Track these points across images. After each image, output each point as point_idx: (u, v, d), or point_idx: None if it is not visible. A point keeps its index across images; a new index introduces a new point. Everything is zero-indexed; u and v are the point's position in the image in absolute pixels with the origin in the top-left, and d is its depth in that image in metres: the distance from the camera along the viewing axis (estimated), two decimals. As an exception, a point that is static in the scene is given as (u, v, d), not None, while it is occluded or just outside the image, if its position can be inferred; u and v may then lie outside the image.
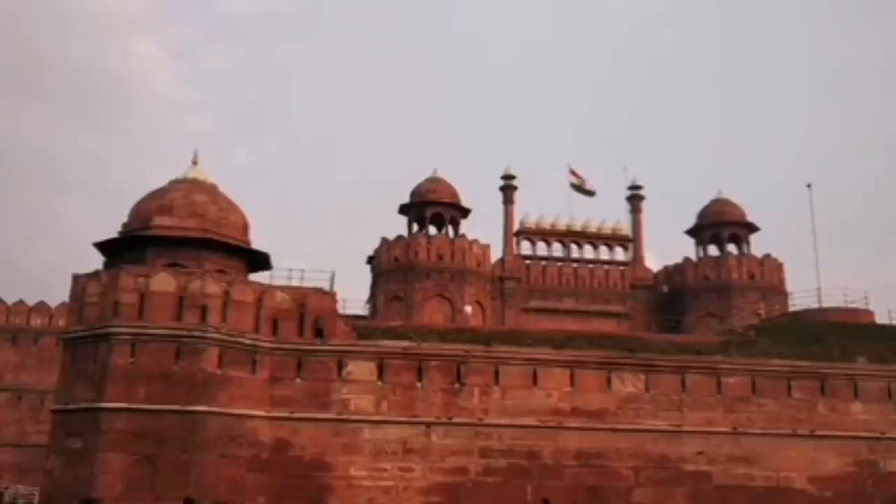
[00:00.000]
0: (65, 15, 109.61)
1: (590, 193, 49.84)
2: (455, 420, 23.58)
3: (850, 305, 33.52)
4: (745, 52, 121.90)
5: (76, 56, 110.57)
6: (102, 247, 25.14)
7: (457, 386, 23.92)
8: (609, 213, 51.08)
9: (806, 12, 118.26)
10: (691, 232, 49.01)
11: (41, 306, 47.07)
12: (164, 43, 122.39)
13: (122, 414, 21.26)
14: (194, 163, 27.00)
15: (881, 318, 32.57)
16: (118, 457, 20.91)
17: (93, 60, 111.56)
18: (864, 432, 25.46)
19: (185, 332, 22.06)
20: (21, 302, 47.27)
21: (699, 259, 47.70)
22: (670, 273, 48.29)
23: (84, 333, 22.52)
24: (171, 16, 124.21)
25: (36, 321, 46.75)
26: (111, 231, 25.29)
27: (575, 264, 48.22)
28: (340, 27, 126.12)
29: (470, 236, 45.72)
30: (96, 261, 25.58)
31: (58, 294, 47.26)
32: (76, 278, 23.56)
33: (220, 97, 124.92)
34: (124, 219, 25.59)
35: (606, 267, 48.72)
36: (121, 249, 24.85)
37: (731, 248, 47.83)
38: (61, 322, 39.31)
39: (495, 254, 46.86)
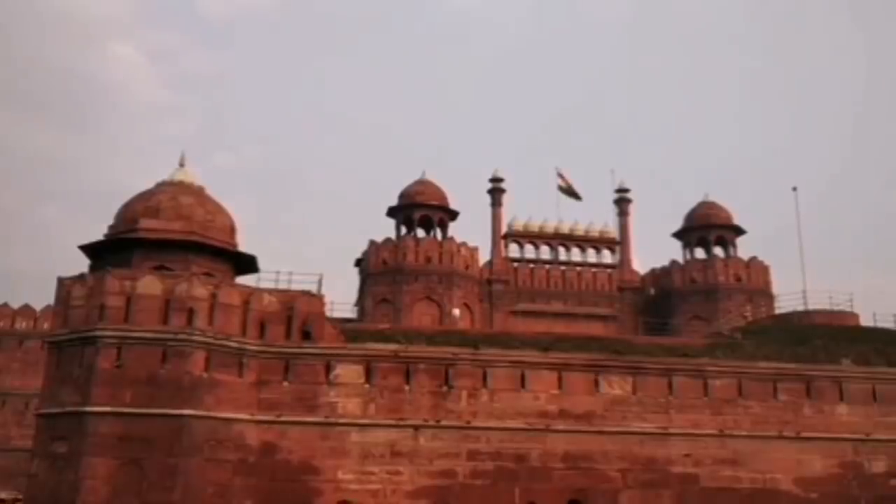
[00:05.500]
0: (43, 18, 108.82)
1: (576, 197, 50.03)
2: (443, 423, 23.55)
3: (836, 308, 33.76)
4: (733, 54, 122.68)
5: (55, 59, 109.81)
6: (88, 249, 24.98)
7: (445, 389, 23.90)
8: (596, 216, 51.34)
9: (794, 12, 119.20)
10: (678, 235, 49.28)
11: (26, 309, 46.71)
12: (144, 47, 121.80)
13: (107, 418, 21.10)
14: (181, 165, 26.88)
15: (866, 321, 32.82)
16: (104, 461, 20.75)
17: (72, 64, 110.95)
18: (849, 434, 25.61)
19: (171, 335, 21.91)
20: (6, 305, 46.88)
21: (686, 262, 47.97)
22: (657, 276, 48.54)
23: (69, 336, 22.34)
24: (151, 20, 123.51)
25: (21, 324, 46.35)
26: (93, 235, 25.16)
27: (563, 267, 48.38)
28: (324, 28, 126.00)
29: (458, 239, 45.81)
30: (81, 264, 25.47)
31: (42, 297, 46.98)
32: (61, 281, 23.39)
33: (201, 101, 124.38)
34: (105, 222, 25.49)
35: (594, 269, 48.91)
36: (106, 252, 24.69)
37: (718, 250, 48.14)
38: (46, 325, 39.10)
39: (483, 256, 46.96)
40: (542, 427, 24.01)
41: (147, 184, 26.27)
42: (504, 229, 48.69)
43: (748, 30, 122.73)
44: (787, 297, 37.52)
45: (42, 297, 48.47)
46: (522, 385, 24.32)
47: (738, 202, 68.87)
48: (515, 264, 47.90)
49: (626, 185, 50.76)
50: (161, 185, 26.04)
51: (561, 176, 50.21)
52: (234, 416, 22.24)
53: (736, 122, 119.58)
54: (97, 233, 25.19)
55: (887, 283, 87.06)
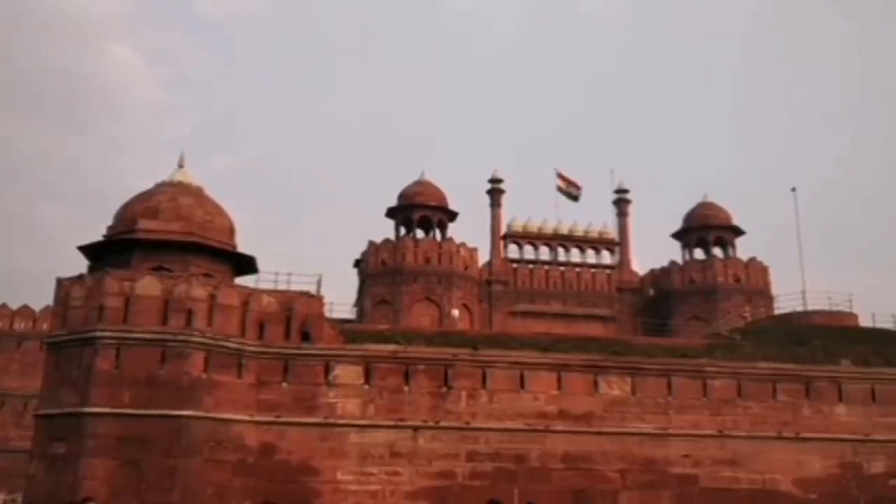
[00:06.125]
0: (42, 20, 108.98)
1: (574, 198, 50.06)
2: (442, 424, 23.53)
3: (835, 308, 33.75)
4: (732, 54, 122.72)
5: (54, 60, 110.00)
6: (87, 250, 24.96)
7: (444, 389, 23.88)
8: (596, 217, 51.46)
9: (793, 13, 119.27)
10: (677, 235, 49.28)
11: (25, 310, 46.74)
12: (143, 48, 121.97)
13: (106, 418, 21.06)
14: (180, 166, 26.86)
15: (865, 321, 32.80)
16: (102, 462, 20.72)
17: (71, 64, 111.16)
18: (848, 434, 25.55)
19: (170, 336, 21.88)
20: (4, 305, 46.91)
21: (685, 262, 47.98)
22: (656, 276, 48.54)
23: (68, 337, 22.30)
24: (149, 20, 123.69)
25: (19, 325, 46.38)
26: (92, 235, 25.14)
27: (562, 267, 48.39)
28: (322, 29, 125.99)
29: (457, 239, 45.80)
30: (80, 264, 25.46)
31: (42, 298, 46.97)
32: (60, 282, 23.36)
33: (200, 101, 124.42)
34: (105, 223, 25.46)
35: (593, 270, 48.93)
36: (105, 253, 24.67)
37: (717, 251, 48.15)
38: (45, 326, 39.11)
39: (483, 257, 46.95)
40: (541, 428, 23.99)
41: (146, 184, 26.32)
42: (503, 230, 48.69)
43: (747, 30, 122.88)
44: (787, 298, 37.58)
45: (41, 297, 48.59)
46: (522, 386, 24.29)
47: (737, 203, 68.92)
48: (515, 265, 47.91)
49: (626, 186, 50.80)
50: (160, 186, 26.02)
51: (560, 176, 50.25)
52: (233, 417, 22.22)
53: (735, 123, 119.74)
54: (97, 233, 25.22)
55: (885, 284, 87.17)
